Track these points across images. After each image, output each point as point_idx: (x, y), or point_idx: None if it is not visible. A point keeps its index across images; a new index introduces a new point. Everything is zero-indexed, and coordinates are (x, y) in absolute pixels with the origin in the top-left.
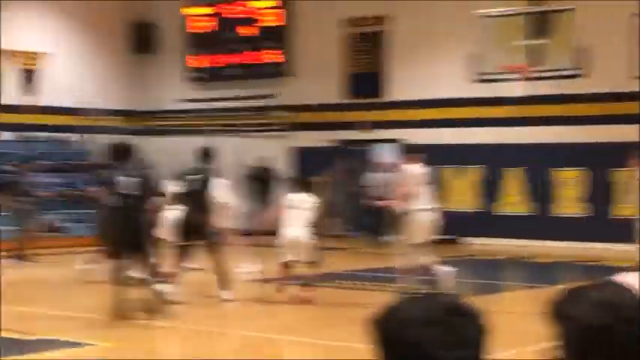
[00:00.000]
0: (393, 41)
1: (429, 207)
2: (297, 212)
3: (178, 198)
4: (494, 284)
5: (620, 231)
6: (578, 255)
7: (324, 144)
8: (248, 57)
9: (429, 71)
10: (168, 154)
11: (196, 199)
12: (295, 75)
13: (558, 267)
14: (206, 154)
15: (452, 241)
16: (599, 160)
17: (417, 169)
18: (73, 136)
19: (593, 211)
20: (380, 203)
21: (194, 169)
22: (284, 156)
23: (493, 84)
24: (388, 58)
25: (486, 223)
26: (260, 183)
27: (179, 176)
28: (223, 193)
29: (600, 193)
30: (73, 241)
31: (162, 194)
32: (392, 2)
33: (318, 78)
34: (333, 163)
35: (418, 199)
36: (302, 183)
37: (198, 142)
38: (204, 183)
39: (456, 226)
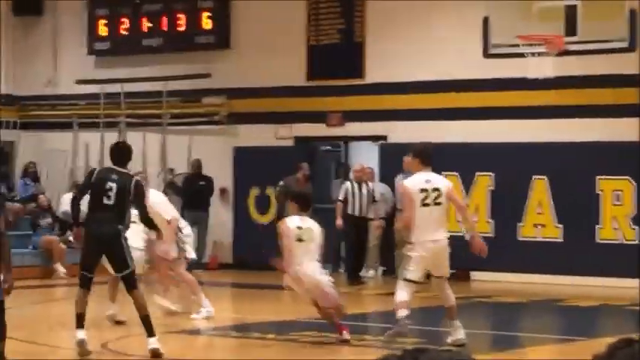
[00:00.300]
0: (371, 3)
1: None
2: (306, 245)
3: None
4: (516, 337)
5: None
6: (631, 296)
7: (277, 143)
8: (174, 21)
9: (423, 43)
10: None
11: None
12: (235, 47)
13: (602, 312)
14: (122, 155)
15: (460, 277)
16: None
17: (415, 182)
18: None
19: None
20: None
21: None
22: (219, 159)
23: (512, 60)
24: (366, 24)
25: (503, 252)
26: (195, 198)
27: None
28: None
29: None
30: None
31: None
32: None
33: (267, 52)
34: (288, 169)
35: (420, 226)
36: (305, 201)
37: (107, 138)
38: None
39: (462, 255)
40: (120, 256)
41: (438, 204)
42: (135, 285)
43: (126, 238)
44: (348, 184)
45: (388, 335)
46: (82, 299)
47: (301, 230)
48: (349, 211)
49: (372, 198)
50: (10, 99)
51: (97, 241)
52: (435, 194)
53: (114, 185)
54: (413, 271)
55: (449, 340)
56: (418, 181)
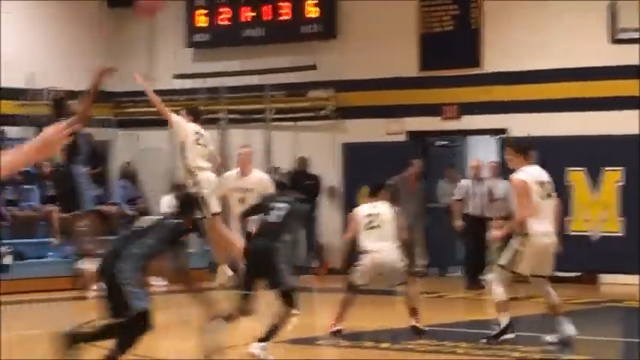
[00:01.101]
0: None
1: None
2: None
3: None
4: None
5: None
6: None
7: (388, 138)
8: (277, 10)
9: (544, 28)
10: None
11: None
12: (342, 37)
13: None
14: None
15: (585, 280)
16: None
17: (532, 175)
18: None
19: None
20: (494, 234)
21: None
22: (327, 156)
23: None
24: (483, 10)
25: (635, 252)
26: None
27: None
28: None
29: None
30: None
31: None
32: None
33: (376, 41)
34: (400, 166)
35: (538, 219)
36: (378, 188)
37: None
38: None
39: (588, 256)
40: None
41: (550, 197)
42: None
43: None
44: (464, 181)
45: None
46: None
47: (371, 217)
48: (465, 211)
49: (492, 195)
50: (105, 95)
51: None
52: (549, 187)
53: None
54: (523, 265)
55: (554, 338)
56: (533, 174)
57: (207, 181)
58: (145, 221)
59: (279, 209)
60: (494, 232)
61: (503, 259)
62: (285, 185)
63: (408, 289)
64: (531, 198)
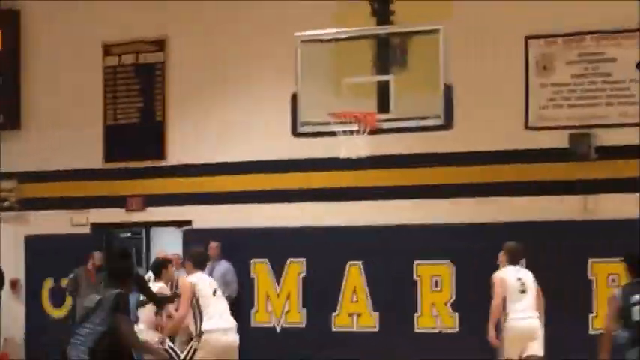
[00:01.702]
0: (174, 77)
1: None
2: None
3: None
4: None
5: None
6: None
7: (73, 230)
8: None
9: (228, 122)
10: None
11: None
12: (25, 127)
13: None
14: None
15: None
16: (486, 246)
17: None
18: None
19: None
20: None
21: None
22: (10, 248)
23: (323, 139)
24: (168, 102)
25: (316, 343)
26: None
27: None
28: None
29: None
30: None
31: None
32: (172, 18)
33: (61, 132)
34: (85, 258)
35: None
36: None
37: None
38: None
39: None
40: None
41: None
42: None
43: None
44: (149, 273)
45: None
46: None
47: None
48: None
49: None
50: None
51: None
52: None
53: None
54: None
55: None
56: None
57: None
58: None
59: None
60: None
61: None
62: None
63: None
64: None
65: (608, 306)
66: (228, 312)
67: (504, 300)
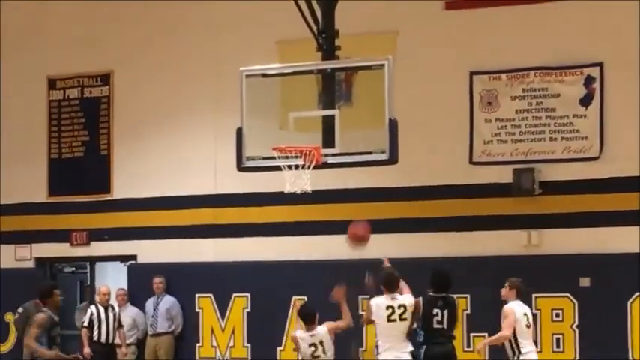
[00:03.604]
0: (119, 111)
1: None
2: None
3: None
4: None
5: None
6: None
7: (17, 264)
8: None
9: (173, 156)
10: None
11: None
12: None
13: None
14: None
15: None
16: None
17: None
18: None
19: None
20: None
21: None
22: None
23: (267, 174)
24: (113, 136)
25: None
26: None
27: None
28: None
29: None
30: None
31: None
32: (118, 52)
33: (4, 166)
34: (29, 292)
35: None
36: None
37: None
38: None
39: None
40: None
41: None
42: None
43: None
44: (93, 307)
45: None
46: None
47: None
48: (95, 337)
49: (119, 322)
50: None
51: None
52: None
53: None
54: None
55: None
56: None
57: None
58: None
59: None
60: None
61: None
62: None
63: None
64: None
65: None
66: None
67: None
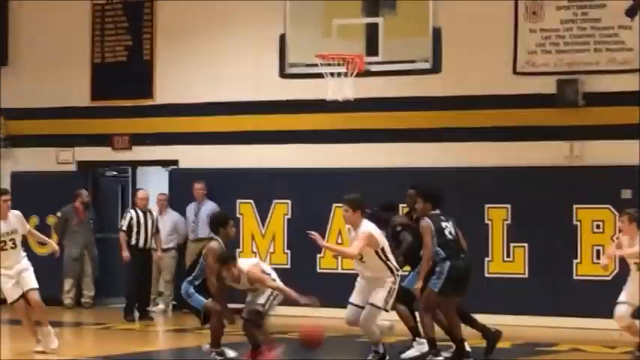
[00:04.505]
0: (162, 16)
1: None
2: None
3: None
4: None
5: None
6: None
7: (58, 168)
8: None
9: (216, 62)
10: None
11: None
12: (13, 64)
13: None
14: None
15: None
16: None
17: None
18: None
19: None
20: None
21: None
22: None
23: (310, 81)
24: (156, 41)
25: (301, 285)
26: None
27: None
28: None
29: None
30: None
31: None
32: None
33: (48, 70)
34: (70, 196)
35: None
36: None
37: None
38: None
39: None
40: None
41: None
42: None
43: None
44: (132, 212)
45: None
46: None
47: None
48: (132, 242)
49: (157, 227)
50: None
51: None
52: None
53: None
54: None
55: None
56: None
57: None
58: None
59: None
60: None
61: None
62: None
63: None
64: None
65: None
66: None
67: None
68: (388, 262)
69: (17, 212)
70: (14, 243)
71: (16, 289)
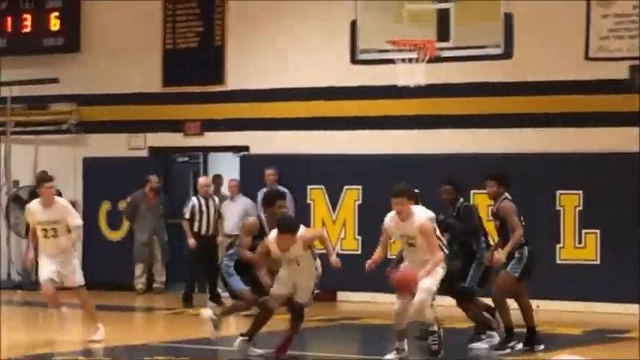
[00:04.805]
0: (232, 4)
1: None
2: None
3: None
4: None
5: None
6: None
7: (130, 153)
8: (19, 22)
9: (287, 48)
10: None
11: None
12: (85, 50)
13: None
14: None
15: (324, 297)
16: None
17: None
18: None
19: None
20: None
21: None
22: (68, 171)
23: (381, 67)
24: (227, 27)
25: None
26: None
27: None
28: None
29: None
30: None
31: None
32: None
33: (120, 56)
34: (141, 181)
35: None
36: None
37: None
38: None
39: (326, 274)
40: None
41: None
42: None
43: None
44: (194, 199)
45: None
46: None
47: None
48: (195, 229)
49: (219, 214)
50: None
51: None
52: None
53: None
54: None
55: None
56: None
57: None
58: None
59: None
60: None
61: None
62: (22, 200)
63: None
64: None
65: None
66: None
67: None
68: (439, 242)
69: (65, 203)
70: (55, 232)
71: (50, 275)
